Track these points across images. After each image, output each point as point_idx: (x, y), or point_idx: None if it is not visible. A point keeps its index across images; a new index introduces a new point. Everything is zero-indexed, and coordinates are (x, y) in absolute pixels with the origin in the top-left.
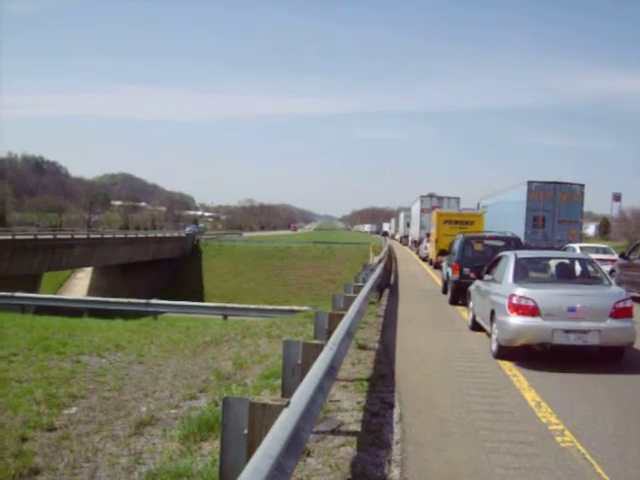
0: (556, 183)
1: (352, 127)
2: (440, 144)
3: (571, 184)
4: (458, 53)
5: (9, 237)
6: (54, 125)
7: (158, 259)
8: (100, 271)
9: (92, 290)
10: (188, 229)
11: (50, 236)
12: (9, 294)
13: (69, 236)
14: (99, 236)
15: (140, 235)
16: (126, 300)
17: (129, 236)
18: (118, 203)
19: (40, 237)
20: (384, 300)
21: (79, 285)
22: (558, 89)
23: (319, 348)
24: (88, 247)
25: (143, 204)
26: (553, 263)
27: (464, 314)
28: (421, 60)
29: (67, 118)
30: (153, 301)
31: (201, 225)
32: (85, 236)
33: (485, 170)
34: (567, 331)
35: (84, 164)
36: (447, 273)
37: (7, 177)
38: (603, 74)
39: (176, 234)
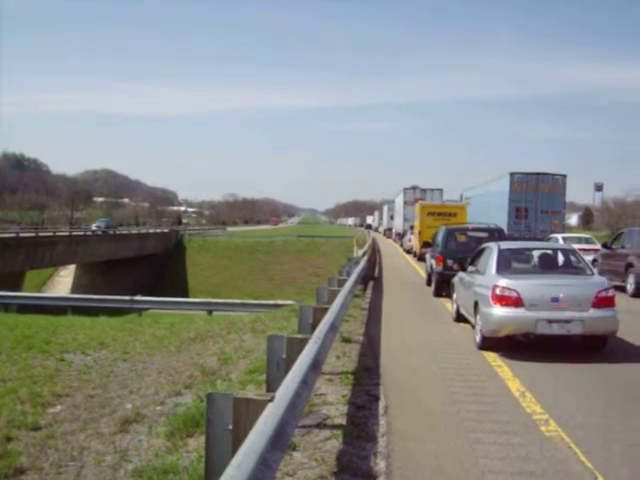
0: (538, 174)
1: (336, 120)
2: (423, 136)
3: (553, 175)
4: (443, 45)
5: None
6: (35, 122)
7: (142, 255)
8: (83, 268)
9: (76, 288)
10: (94, 225)
11: (32, 234)
12: None
13: (51, 233)
14: (82, 233)
15: (123, 231)
16: (110, 297)
17: (112, 233)
18: (101, 199)
19: (22, 235)
20: (369, 293)
21: (62, 283)
22: (541, 80)
23: (303, 342)
24: (71, 244)
25: (126, 200)
26: (536, 254)
27: (448, 306)
28: (406, 52)
29: (48, 115)
30: (137, 298)
31: (108, 219)
32: (67, 233)
33: (469, 161)
34: (550, 321)
35: (66, 161)
36: (431, 265)
37: None
38: (585, 65)
39: (159, 230)
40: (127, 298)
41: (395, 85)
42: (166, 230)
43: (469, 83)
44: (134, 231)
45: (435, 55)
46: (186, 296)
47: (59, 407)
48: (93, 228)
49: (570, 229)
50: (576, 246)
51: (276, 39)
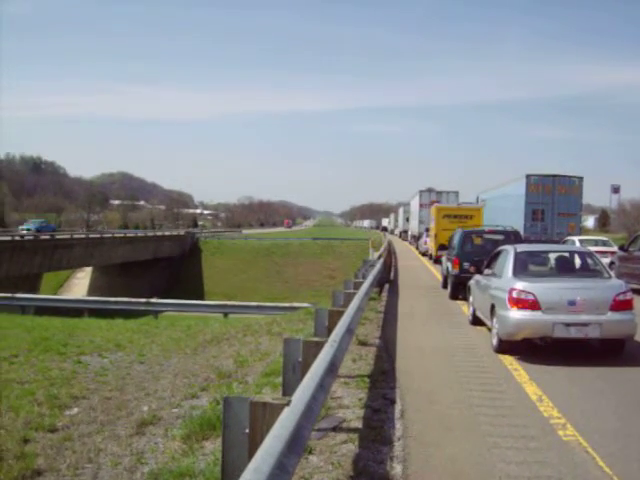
0: (555, 176)
1: (351, 123)
2: (438, 138)
3: (570, 177)
4: (457, 49)
5: (8, 238)
6: (52, 126)
7: (158, 258)
8: (100, 271)
9: (92, 290)
10: (22, 228)
11: (49, 236)
12: (9, 295)
13: (68, 236)
14: (98, 236)
15: (139, 234)
16: (126, 299)
17: (128, 235)
18: (117, 202)
19: (39, 237)
20: (384, 296)
21: (79, 285)
22: (556, 82)
23: (319, 345)
24: (87, 247)
25: (142, 203)
26: (553, 256)
27: (464, 308)
28: (419, 56)
29: (65, 118)
30: (153, 300)
31: (43, 220)
32: (84, 236)
33: (484, 164)
34: (568, 324)
35: (82, 164)
36: (447, 268)
37: (5, 178)
38: (600, 67)
39: (175, 232)
40: (143, 300)
41: (410, 89)
42: (182, 233)
43: (482, 86)
44: (150, 233)
45: (449, 59)
46: (202, 299)
47: (76, 409)
48: (21, 232)
49: (586, 231)
50: (593, 249)
51: (291, 43)
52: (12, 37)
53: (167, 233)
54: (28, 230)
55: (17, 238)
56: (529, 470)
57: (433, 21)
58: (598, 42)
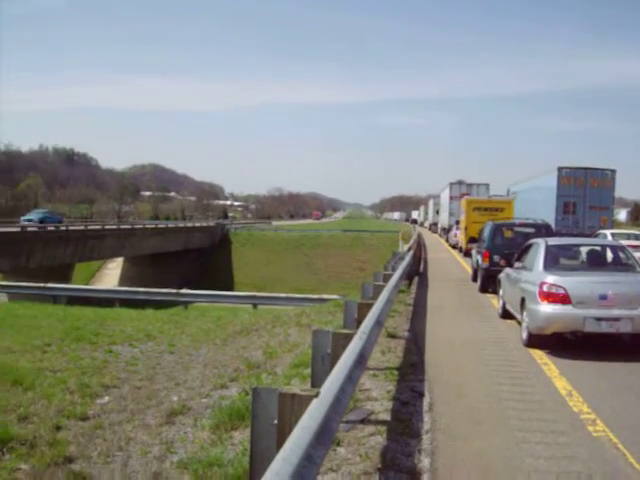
0: (587, 169)
1: (378, 115)
2: (465, 130)
3: (602, 169)
4: (477, 41)
5: (42, 229)
6: (84, 118)
7: (188, 249)
8: (131, 261)
9: (123, 280)
10: (24, 219)
11: (81, 227)
12: (42, 285)
13: (100, 227)
14: (129, 226)
15: (170, 225)
16: (157, 290)
17: (159, 226)
18: (148, 194)
19: (71, 228)
20: (413, 288)
21: (110, 275)
22: (584, 74)
23: (348, 337)
24: (119, 238)
25: (173, 194)
26: (584, 250)
27: (494, 302)
28: (441, 48)
29: (97, 110)
30: (183, 291)
31: (46, 210)
32: (116, 227)
33: (514, 156)
34: (599, 319)
35: (114, 155)
36: (477, 261)
37: (39, 169)
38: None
39: (205, 224)
40: (173, 291)
41: (435, 81)
42: (212, 224)
43: (505, 78)
44: (181, 225)
45: (470, 51)
46: (231, 289)
47: (107, 398)
48: (22, 222)
49: (619, 225)
50: (625, 242)
51: (317, 36)
52: (42, 27)
53: (197, 224)
54: (29, 221)
55: (180, 225)
56: (558, 465)
57: (452, 14)
58: (616, 34)
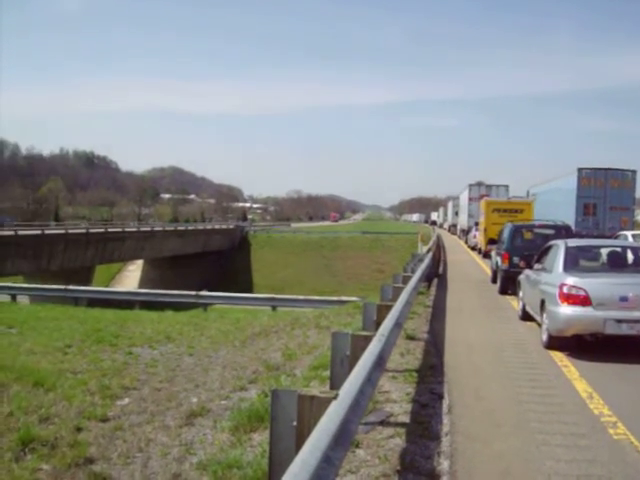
0: (607, 169)
1: (398, 116)
2: (487, 131)
3: (623, 170)
4: (505, 39)
5: (62, 231)
6: (104, 121)
7: (207, 251)
8: (151, 263)
9: (143, 282)
10: None
11: (102, 230)
12: (63, 287)
13: (120, 229)
14: (149, 229)
15: (190, 227)
16: (176, 292)
17: (179, 228)
18: (167, 196)
19: (92, 231)
20: (433, 290)
21: (130, 277)
22: (604, 73)
23: (367, 339)
24: (139, 240)
25: (192, 197)
26: (604, 251)
27: (514, 304)
28: (467, 46)
29: (116, 114)
30: (203, 293)
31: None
32: (135, 229)
33: (534, 157)
34: (619, 321)
35: (134, 158)
36: (496, 262)
37: (59, 173)
38: None
39: (224, 226)
40: (193, 293)
41: (458, 81)
42: (231, 226)
43: (531, 78)
44: (200, 227)
45: (497, 50)
46: (250, 292)
47: (127, 400)
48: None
49: None
50: None
51: (339, 34)
52: (64, 33)
53: (217, 227)
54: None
55: (200, 227)
56: (579, 468)
57: (479, 10)
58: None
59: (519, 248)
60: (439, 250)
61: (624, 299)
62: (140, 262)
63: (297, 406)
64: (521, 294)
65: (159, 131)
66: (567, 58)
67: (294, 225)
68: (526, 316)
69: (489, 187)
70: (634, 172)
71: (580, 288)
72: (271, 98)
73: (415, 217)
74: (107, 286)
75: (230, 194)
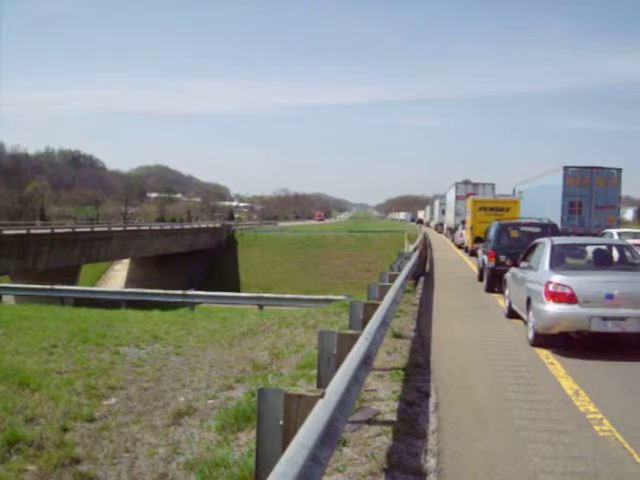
0: (593, 168)
1: (385, 115)
2: (475, 130)
3: (608, 168)
4: (500, 35)
5: (48, 231)
6: (89, 120)
7: (194, 250)
8: (137, 263)
9: (129, 281)
10: None
11: (88, 229)
12: (49, 287)
13: (106, 228)
14: (135, 228)
15: (176, 226)
16: (163, 291)
17: (165, 228)
18: (154, 195)
19: (78, 230)
20: (419, 288)
21: (117, 277)
22: (594, 72)
23: (354, 338)
24: (125, 239)
25: (179, 196)
26: (590, 249)
27: (500, 302)
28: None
29: (100, 112)
30: (190, 292)
31: None
32: (122, 228)
33: (522, 155)
34: (605, 318)
35: (120, 157)
36: (483, 260)
37: (45, 171)
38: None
39: (211, 225)
40: (179, 292)
41: (444, 79)
42: (218, 225)
43: (519, 75)
44: (187, 226)
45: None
46: (238, 291)
47: (113, 399)
48: None
49: (625, 224)
50: (631, 241)
51: (333, 34)
52: (47, 32)
53: (203, 225)
54: None
55: (186, 226)
56: (564, 465)
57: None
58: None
59: (505, 246)
60: (426, 249)
61: (610, 297)
62: (126, 261)
63: (284, 405)
64: (507, 292)
65: (145, 130)
66: (556, 56)
67: (281, 224)
68: (512, 314)
69: (476, 185)
70: (619, 170)
71: (566, 286)
72: (258, 97)
73: (402, 216)
74: (93, 285)
75: (217, 193)
